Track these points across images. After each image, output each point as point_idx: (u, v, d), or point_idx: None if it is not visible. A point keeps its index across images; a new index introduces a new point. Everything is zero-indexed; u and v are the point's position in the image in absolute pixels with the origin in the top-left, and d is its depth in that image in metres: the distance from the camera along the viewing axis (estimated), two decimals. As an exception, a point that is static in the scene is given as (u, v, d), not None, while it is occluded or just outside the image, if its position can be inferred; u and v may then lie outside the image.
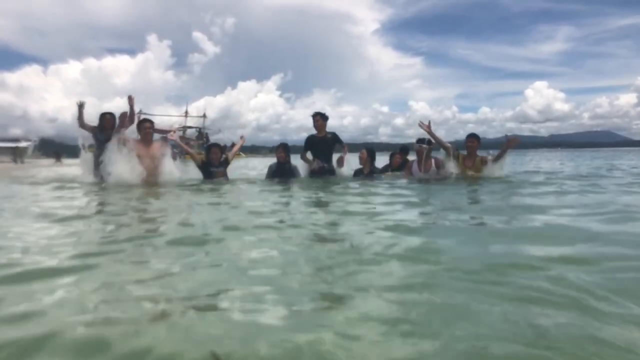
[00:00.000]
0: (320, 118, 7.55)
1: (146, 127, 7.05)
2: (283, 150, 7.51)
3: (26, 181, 8.29)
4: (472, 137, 7.27)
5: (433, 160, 7.17)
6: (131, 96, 7.41)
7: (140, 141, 6.96)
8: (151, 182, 6.72)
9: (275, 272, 1.93)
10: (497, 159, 7.18)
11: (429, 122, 7.11)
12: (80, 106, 7.33)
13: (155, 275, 1.91)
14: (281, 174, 7.42)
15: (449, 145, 7.31)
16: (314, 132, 7.55)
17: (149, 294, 1.68)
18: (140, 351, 1.23)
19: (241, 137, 8.04)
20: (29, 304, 1.57)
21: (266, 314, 1.48)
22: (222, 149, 7.59)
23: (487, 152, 7.39)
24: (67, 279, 1.87)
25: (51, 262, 2.13)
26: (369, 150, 7.66)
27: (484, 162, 7.12)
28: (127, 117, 7.42)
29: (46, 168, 18.85)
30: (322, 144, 7.53)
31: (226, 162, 7.43)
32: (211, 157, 7.24)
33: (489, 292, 1.63)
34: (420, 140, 7.22)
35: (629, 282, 1.75)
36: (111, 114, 7.55)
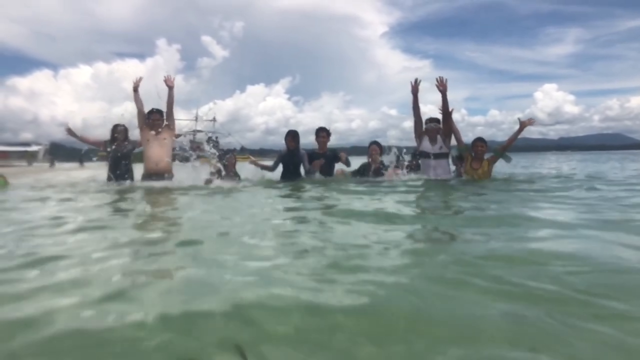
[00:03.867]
0: (326, 135, 7.76)
1: (155, 119, 7.11)
2: (292, 139, 7.72)
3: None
4: (481, 140, 7.27)
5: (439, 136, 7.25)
6: (169, 75, 7.21)
7: (150, 127, 7.09)
8: (160, 169, 7.00)
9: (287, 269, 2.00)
10: (509, 143, 7.22)
11: (453, 109, 7.13)
12: (69, 131, 7.34)
13: (178, 272, 1.98)
14: (289, 159, 7.68)
15: (462, 143, 7.37)
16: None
17: (171, 289, 1.75)
18: (164, 342, 1.29)
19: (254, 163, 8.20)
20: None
21: (281, 308, 1.53)
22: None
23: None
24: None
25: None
26: (380, 146, 7.72)
27: (491, 163, 7.19)
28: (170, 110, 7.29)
29: (79, 171, 19.04)
30: (324, 160, 7.66)
31: (238, 175, 7.57)
32: (226, 164, 7.36)
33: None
34: (433, 120, 7.30)
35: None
36: (123, 126, 7.46)
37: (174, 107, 7.31)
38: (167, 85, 7.13)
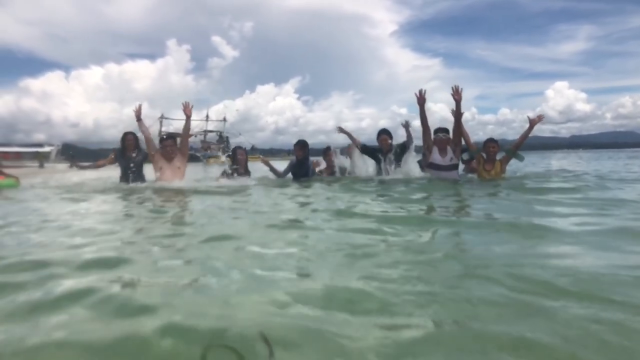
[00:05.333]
0: (333, 154, 8.17)
1: (168, 145, 6.98)
2: (300, 148, 7.98)
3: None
4: (492, 141, 7.16)
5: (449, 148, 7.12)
6: (188, 103, 6.93)
7: (163, 154, 6.94)
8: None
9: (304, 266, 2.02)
10: (521, 142, 7.15)
11: (463, 112, 6.90)
12: (79, 166, 7.37)
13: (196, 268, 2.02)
14: (298, 168, 7.90)
15: (473, 146, 7.28)
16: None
17: (194, 284, 1.80)
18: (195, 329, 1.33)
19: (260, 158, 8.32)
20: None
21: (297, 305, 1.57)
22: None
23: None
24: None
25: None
26: (390, 135, 7.77)
27: (504, 163, 7.12)
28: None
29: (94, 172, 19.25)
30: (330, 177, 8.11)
31: (249, 172, 7.71)
32: (238, 158, 7.49)
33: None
34: (441, 130, 7.15)
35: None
36: (133, 134, 7.26)
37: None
38: (185, 114, 6.89)
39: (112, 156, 7.36)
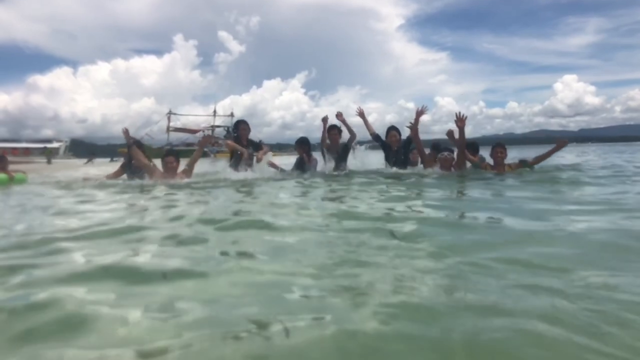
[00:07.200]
0: (337, 132, 8.26)
1: (169, 162, 6.77)
2: (300, 146, 8.46)
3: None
4: (500, 147, 7.04)
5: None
6: (206, 136, 6.86)
7: (164, 173, 6.73)
8: None
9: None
10: (541, 160, 7.12)
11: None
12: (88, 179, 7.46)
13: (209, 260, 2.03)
14: (301, 165, 8.27)
15: (475, 158, 7.24)
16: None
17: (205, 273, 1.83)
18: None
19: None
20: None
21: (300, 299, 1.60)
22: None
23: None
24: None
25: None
26: (398, 131, 8.02)
27: (514, 169, 6.97)
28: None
29: (108, 167, 19.46)
30: (334, 151, 8.24)
31: (257, 146, 7.67)
32: (240, 133, 7.51)
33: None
34: (446, 149, 7.16)
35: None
36: (138, 142, 7.14)
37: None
38: (200, 145, 6.94)
39: (120, 168, 7.47)
